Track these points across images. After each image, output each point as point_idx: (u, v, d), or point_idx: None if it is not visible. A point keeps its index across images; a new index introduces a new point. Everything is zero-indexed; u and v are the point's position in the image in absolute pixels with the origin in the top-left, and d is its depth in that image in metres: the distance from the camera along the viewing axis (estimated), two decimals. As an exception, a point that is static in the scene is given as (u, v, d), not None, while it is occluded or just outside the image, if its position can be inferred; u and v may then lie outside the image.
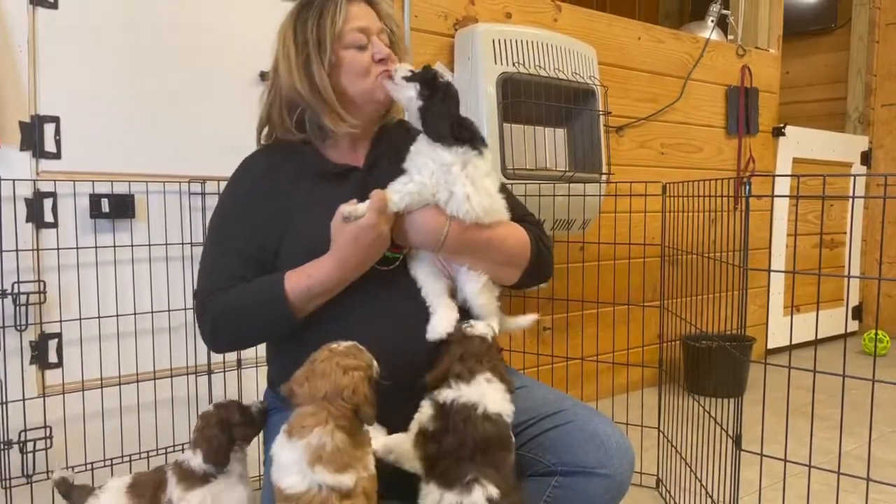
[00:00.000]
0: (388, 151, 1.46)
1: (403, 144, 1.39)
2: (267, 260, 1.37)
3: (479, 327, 1.27)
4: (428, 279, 1.36)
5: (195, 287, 1.43)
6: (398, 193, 1.29)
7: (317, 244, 1.31)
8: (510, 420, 1.21)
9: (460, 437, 1.14)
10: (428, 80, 1.34)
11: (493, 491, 1.11)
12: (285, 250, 1.37)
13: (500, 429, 1.18)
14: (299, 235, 1.37)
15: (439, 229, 1.32)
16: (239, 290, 1.34)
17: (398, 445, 1.21)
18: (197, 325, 1.41)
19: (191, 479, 1.38)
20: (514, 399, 1.37)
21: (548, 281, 1.52)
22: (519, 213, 1.48)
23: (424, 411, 1.21)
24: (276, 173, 1.43)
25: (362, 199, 1.30)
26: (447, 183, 1.31)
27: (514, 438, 1.23)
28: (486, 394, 1.18)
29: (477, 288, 1.36)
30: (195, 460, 1.39)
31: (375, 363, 1.17)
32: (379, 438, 1.21)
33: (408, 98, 1.35)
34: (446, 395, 1.19)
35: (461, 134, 1.32)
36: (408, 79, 1.35)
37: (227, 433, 1.39)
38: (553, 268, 1.54)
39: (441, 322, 1.31)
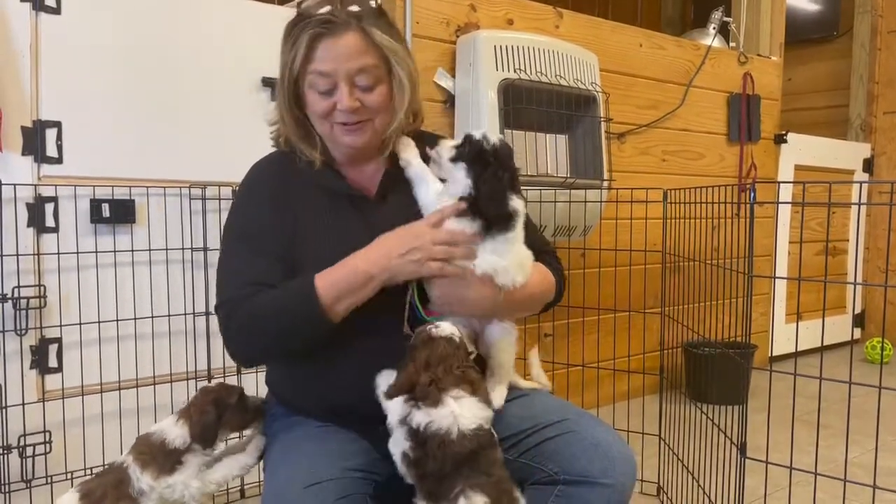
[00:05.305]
0: (404, 175, 1.38)
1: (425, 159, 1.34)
2: (289, 266, 1.29)
3: (445, 328, 1.20)
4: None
5: (218, 297, 1.31)
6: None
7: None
8: (489, 425, 1.18)
9: (440, 460, 1.12)
10: (476, 158, 1.24)
11: (481, 500, 1.10)
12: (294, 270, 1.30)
13: (481, 438, 1.15)
14: (304, 262, 1.30)
15: (494, 304, 1.30)
16: (268, 294, 1.25)
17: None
18: (222, 337, 1.30)
19: (158, 461, 1.31)
20: (513, 407, 1.36)
21: None
22: (537, 245, 1.44)
23: (399, 438, 1.17)
24: (288, 182, 1.35)
25: (371, 230, 1.28)
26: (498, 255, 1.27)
27: (496, 436, 1.20)
28: (458, 414, 1.13)
29: (508, 345, 1.36)
30: (174, 431, 1.33)
31: None
32: None
33: (456, 180, 1.26)
34: (417, 419, 1.14)
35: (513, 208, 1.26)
36: (454, 159, 1.25)
37: (219, 413, 1.35)
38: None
39: None
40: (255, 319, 1.25)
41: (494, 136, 1.27)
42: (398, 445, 1.18)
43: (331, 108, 1.28)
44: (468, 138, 1.26)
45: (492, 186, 1.24)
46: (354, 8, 1.26)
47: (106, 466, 1.40)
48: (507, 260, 1.28)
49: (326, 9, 1.25)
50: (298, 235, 1.31)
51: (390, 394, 1.17)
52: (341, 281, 1.23)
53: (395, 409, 1.19)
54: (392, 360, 1.23)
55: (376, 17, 1.29)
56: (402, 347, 1.23)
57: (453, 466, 1.12)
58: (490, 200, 1.24)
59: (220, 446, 1.41)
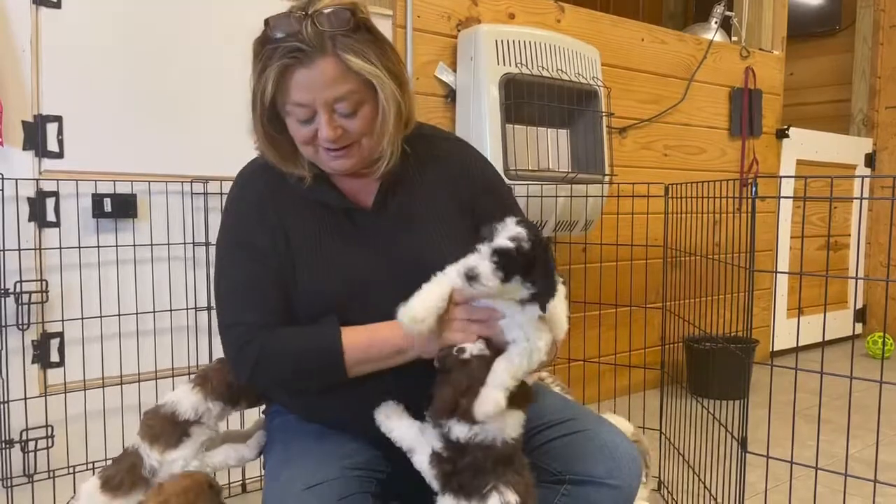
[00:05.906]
0: (404, 177, 1.32)
1: (422, 162, 1.31)
2: (288, 282, 1.25)
3: (471, 347, 1.16)
4: None
5: (227, 317, 1.26)
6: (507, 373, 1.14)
7: (316, 298, 1.24)
8: (523, 428, 1.18)
9: (480, 460, 1.11)
10: (528, 265, 1.11)
11: (513, 497, 1.10)
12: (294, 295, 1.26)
13: (519, 442, 1.16)
14: (301, 286, 1.26)
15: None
16: (289, 336, 1.23)
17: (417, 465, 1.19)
18: (230, 359, 1.26)
19: (165, 436, 1.32)
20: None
21: None
22: None
23: (431, 440, 1.15)
24: (279, 190, 1.30)
25: (367, 243, 1.25)
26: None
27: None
28: (503, 427, 1.13)
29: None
30: (190, 399, 1.34)
31: None
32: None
33: (518, 294, 1.14)
34: (458, 431, 1.12)
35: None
36: (503, 279, 1.11)
37: (236, 384, 1.36)
38: None
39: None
40: (273, 356, 1.22)
41: (520, 230, 1.13)
42: (427, 445, 1.16)
43: (313, 134, 1.21)
44: (504, 252, 1.11)
45: (548, 278, 1.15)
46: (325, 12, 1.16)
47: (111, 459, 1.41)
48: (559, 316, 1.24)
49: (299, 14, 1.17)
50: (293, 248, 1.27)
51: (436, 418, 1.15)
52: (373, 348, 1.20)
53: (407, 434, 1.19)
54: (395, 383, 1.22)
55: (353, 32, 1.17)
56: (404, 371, 1.22)
57: (492, 464, 1.12)
58: (549, 288, 1.15)
59: (221, 440, 1.42)
